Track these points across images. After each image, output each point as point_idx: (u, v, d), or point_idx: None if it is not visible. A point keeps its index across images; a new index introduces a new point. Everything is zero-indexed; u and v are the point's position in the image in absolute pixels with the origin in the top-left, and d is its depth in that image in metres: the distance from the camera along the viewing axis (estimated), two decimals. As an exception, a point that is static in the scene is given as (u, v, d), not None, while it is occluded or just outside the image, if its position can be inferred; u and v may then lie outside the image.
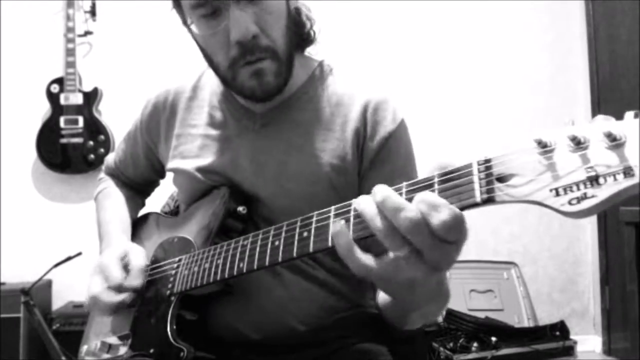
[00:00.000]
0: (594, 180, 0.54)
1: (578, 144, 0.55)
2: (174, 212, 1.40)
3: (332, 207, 0.79)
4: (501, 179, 0.61)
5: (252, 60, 1.01)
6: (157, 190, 1.46)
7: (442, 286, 0.83)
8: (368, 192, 1.04)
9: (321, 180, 1.07)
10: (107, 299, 1.08)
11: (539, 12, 3.36)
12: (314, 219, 0.82)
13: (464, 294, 3.07)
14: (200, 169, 1.15)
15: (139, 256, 1.12)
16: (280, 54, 1.03)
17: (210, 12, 1.00)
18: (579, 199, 0.55)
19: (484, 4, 3.32)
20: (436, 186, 0.67)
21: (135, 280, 1.08)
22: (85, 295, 1.17)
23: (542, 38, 3.36)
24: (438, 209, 0.64)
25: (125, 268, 1.11)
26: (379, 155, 1.08)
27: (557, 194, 0.56)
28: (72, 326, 2.71)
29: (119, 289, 1.08)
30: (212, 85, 1.20)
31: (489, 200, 0.62)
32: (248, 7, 0.98)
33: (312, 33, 1.17)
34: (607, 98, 3.15)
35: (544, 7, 3.35)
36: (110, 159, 1.42)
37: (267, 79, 1.04)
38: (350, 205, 0.77)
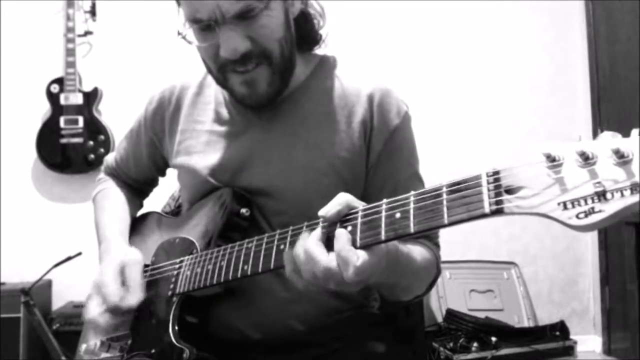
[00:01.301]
0: (601, 195, 0.55)
1: (586, 159, 0.55)
2: (175, 212, 1.40)
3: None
4: (510, 190, 0.61)
5: (241, 70, 1.02)
6: (157, 190, 1.45)
7: (390, 271, 0.86)
8: (375, 185, 1.08)
9: (329, 173, 1.08)
10: (105, 322, 1.09)
11: (539, 12, 3.35)
12: (320, 224, 0.83)
13: (464, 294, 3.07)
14: (206, 166, 1.15)
15: (137, 270, 1.12)
16: (275, 61, 1.04)
17: (205, 27, 1.01)
18: (587, 213, 0.55)
19: (484, 4, 3.31)
20: (444, 196, 0.67)
21: (133, 298, 1.08)
22: (83, 316, 1.16)
23: (542, 38, 3.36)
24: (348, 265, 0.75)
25: (124, 283, 1.10)
26: (386, 149, 1.09)
27: (565, 207, 0.57)
28: (72, 326, 2.70)
29: (115, 310, 1.08)
30: None
31: (498, 212, 0.62)
32: (240, 25, 0.99)
33: (318, 36, 1.17)
34: (607, 98, 3.14)
35: (544, 7, 3.35)
36: (110, 158, 1.41)
37: (259, 88, 1.05)
38: (357, 212, 0.79)
